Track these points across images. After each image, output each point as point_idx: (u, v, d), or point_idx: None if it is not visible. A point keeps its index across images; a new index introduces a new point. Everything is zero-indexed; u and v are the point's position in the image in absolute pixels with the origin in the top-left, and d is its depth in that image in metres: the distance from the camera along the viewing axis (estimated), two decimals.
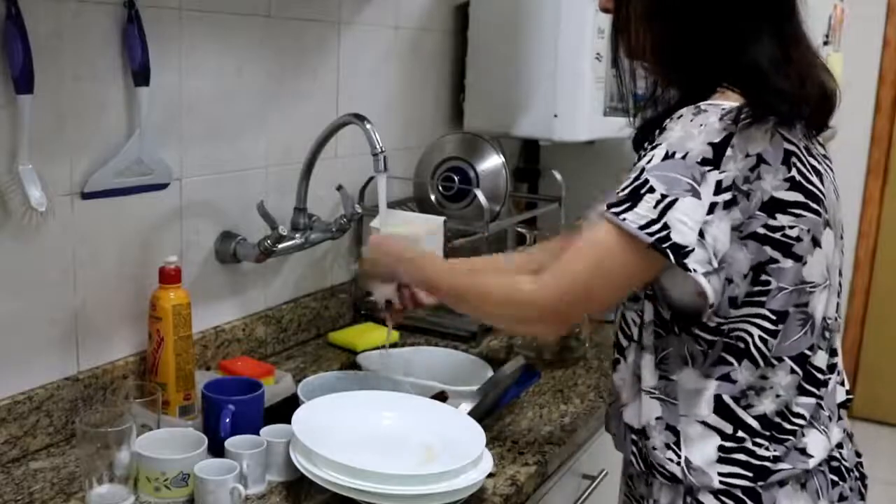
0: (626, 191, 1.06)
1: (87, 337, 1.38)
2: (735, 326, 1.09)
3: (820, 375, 1.14)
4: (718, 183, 1.02)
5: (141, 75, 1.36)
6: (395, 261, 1.33)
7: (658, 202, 1.03)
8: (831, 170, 1.17)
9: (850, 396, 1.22)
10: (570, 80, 2.02)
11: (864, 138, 3.89)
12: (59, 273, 1.32)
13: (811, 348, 1.12)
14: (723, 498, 1.12)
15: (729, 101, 1.06)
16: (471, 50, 2.17)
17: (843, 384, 1.21)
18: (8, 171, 1.21)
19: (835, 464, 1.16)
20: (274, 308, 1.75)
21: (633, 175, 1.06)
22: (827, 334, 1.15)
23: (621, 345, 1.21)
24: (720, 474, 1.11)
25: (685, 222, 1.02)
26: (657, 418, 1.15)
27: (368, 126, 1.49)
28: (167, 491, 1.18)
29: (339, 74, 1.84)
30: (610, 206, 1.06)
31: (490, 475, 1.23)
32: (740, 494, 1.11)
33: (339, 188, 1.73)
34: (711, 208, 1.02)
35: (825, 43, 2.68)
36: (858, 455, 1.24)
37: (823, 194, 1.10)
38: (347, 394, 1.37)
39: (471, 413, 1.34)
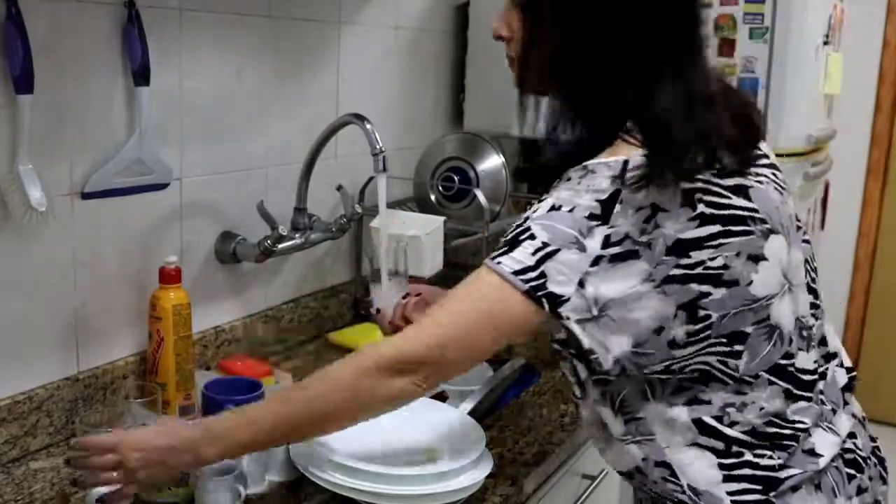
0: (508, 237, 1.03)
1: (87, 337, 1.38)
2: (686, 363, 1.06)
3: (808, 377, 1.11)
4: (607, 237, 0.99)
5: (141, 75, 1.36)
6: (169, 455, 1.07)
7: (538, 249, 1.00)
8: (770, 166, 1.12)
9: (854, 374, 1.18)
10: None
11: (864, 139, 3.88)
12: (59, 273, 1.32)
13: (786, 356, 1.09)
14: None
15: (619, 156, 1.02)
16: (471, 50, 2.18)
17: (841, 366, 1.18)
18: (8, 171, 1.21)
19: (849, 456, 1.13)
20: (274, 308, 1.75)
21: (517, 223, 1.03)
22: (805, 333, 1.11)
23: (575, 396, 1.17)
24: (729, 493, 1.07)
25: (563, 272, 0.99)
26: (643, 459, 1.11)
27: (368, 126, 1.49)
28: (167, 490, 1.18)
29: (339, 74, 1.84)
30: (491, 254, 1.04)
31: (490, 475, 1.23)
32: None
33: (339, 188, 1.73)
34: (597, 261, 0.99)
35: (825, 43, 2.68)
36: (874, 439, 1.20)
37: (751, 209, 1.04)
38: None
39: (471, 413, 1.34)
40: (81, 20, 1.29)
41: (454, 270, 1.85)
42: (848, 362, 1.20)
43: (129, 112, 1.38)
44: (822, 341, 1.16)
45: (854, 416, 1.17)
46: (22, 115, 1.20)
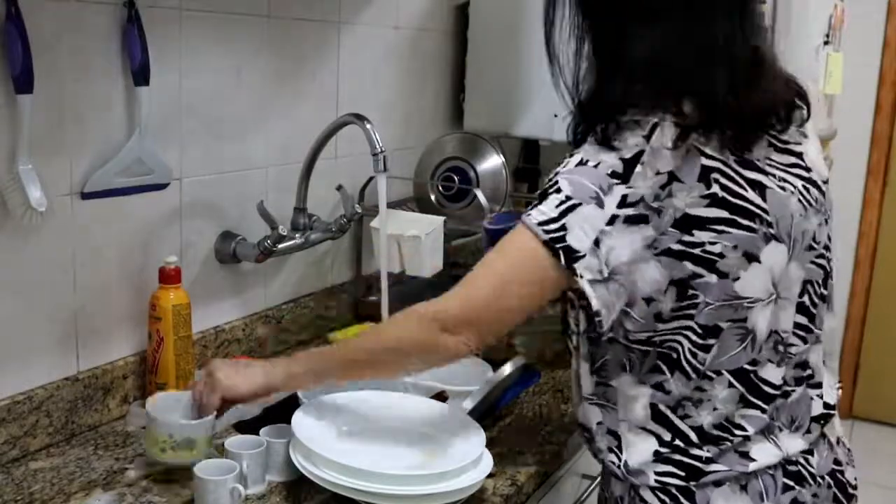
0: (540, 190, 1.08)
1: (87, 337, 1.38)
2: (665, 338, 1.10)
3: (769, 389, 1.12)
4: (624, 197, 1.03)
5: (141, 75, 1.36)
6: (265, 384, 1.20)
7: (561, 203, 1.05)
8: (808, 181, 1.13)
9: (831, 412, 1.18)
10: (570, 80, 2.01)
11: (864, 139, 3.88)
12: (59, 273, 1.32)
13: (753, 363, 1.10)
14: (660, 495, 1.13)
15: (651, 118, 1.05)
16: (471, 50, 2.17)
17: (821, 398, 1.17)
18: (8, 171, 1.21)
19: (793, 468, 1.13)
20: (274, 308, 1.75)
21: (549, 177, 1.09)
22: (781, 348, 1.12)
23: (567, 349, 1.23)
24: (656, 473, 1.13)
25: (583, 227, 1.03)
26: (598, 423, 1.18)
27: (368, 126, 1.49)
28: (172, 452, 1.19)
29: (339, 74, 1.84)
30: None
31: (490, 475, 1.23)
32: (675, 492, 1.13)
33: (339, 188, 1.73)
34: (612, 220, 1.03)
35: (825, 43, 2.68)
36: (838, 463, 1.18)
37: (762, 209, 1.07)
38: (347, 394, 1.37)
39: (471, 413, 1.34)
40: (81, 20, 1.29)
41: (454, 270, 1.86)
42: (830, 399, 1.19)
43: (129, 112, 1.38)
44: (803, 365, 1.15)
45: (822, 435, 1.17)
46: (22, 115, 1.20)
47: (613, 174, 1.03)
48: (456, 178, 1.95)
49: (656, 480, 1.13)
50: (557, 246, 1.03)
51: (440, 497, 1.13)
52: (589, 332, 1.15)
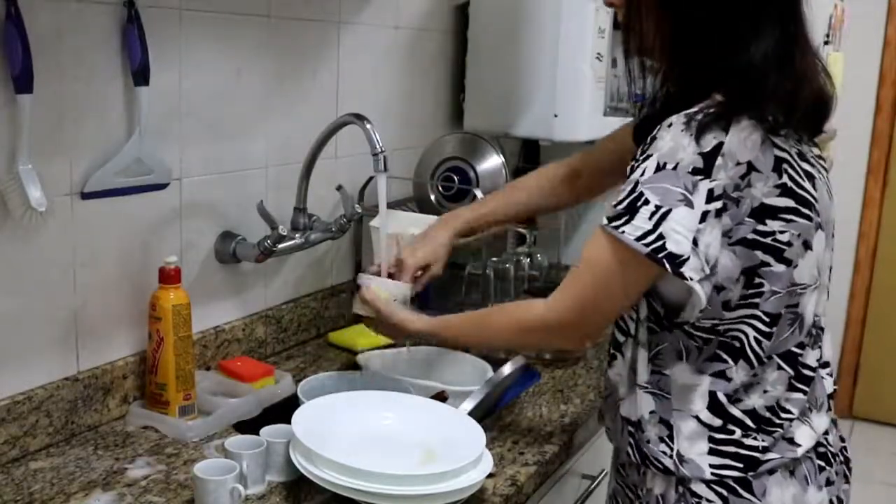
0: (623, 204, 1.08)
1: (87, 337, 1.38)
2: (730, 327, 1.12)
3: (808, 372, 1.17)
4: (710, 192, 1.04)
5: (141, 75, 1.36)
6: (402, 332, 1.42)
7: (653, 213, 1.05)
8: (825, 169, 1.18)
9: (835, 388, 1.26)
10: (570, 80, 2.02)
11: (864, 139, 3.88)
12: (59, 273, 1.32)
13: (800, 346, 1.15)
14: (715, 487, 1.14)
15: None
16: (471, 50, 2.17)
17: (830, 376, 1.25)
18: (8, 171, 1.21)
19: (821, 450, 1.19)
20: (274, 308, 1.75)
21: (629, 188, 1.08)
22: (814, 331, 1.18)
23: (618, 341, 1.23)
24: (711, 466, 1.14)
25: (679, 231, 1.04)
26: (651, 412, 1.18)
27: (368, 126, 1.49)
28: None
29: (339, 74, 1.84)
30: (609, 220, 1.08)
31: (490, 475, 1.23)
32: (732, 483, 1.14)
33: (339, 188, 1.73)
34: (703, 216, 1.04)
35: (825, 43, 2.68)
36: (843, 440, 1.27)
37: (815, 198, 1.11)
38: (347, 394, 1.37)
39: (471, 413, 1.34)
40: (81, 20, 1.29)
41: (454, 270, 1.86)
42: (833, 376, 1.26)
43: (129, 112, 1.38)
44: (821, 347, 1.21)
45: (831, 418, 1.23)
46: (22, 115, 1.19)
47: (695, 171, 1.04)
48: (456, 178, 1.95)
49: (713, 473, 1.14)
50: (660, 256, 1.05)
51: (440, 497, 1.13)
52: (649, 319, 1.17)
